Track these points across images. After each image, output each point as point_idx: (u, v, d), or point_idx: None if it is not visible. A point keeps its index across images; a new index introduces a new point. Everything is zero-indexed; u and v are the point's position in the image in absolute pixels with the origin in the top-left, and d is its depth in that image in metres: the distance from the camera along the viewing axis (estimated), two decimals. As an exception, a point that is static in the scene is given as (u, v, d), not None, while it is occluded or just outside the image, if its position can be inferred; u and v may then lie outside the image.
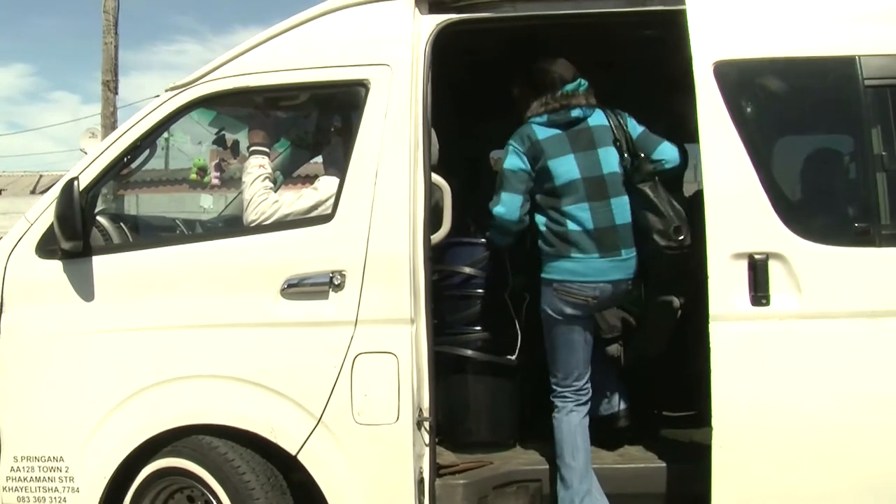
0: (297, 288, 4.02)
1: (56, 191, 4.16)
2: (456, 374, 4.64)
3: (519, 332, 4.69)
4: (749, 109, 4.04)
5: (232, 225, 5.10)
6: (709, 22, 4.07)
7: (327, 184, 4.27)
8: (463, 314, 4.67)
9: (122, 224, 4.53)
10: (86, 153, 18.96)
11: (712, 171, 3.94)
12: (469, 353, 4.64)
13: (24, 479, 4.19)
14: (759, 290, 3.85)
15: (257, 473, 4.04)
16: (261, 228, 4.22)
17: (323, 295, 4.00)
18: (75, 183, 4.08)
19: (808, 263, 3.85)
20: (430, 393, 4.07)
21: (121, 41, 18.06)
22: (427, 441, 4.05)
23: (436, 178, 4.20)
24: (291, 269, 4.03)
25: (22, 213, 4.40)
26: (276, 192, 4.34)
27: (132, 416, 4.10)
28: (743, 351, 3.88)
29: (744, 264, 3.88)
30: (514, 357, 4.69)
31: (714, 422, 3.85)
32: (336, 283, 3.98)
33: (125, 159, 4.36)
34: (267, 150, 4.48)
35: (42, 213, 4.28)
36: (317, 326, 4.01)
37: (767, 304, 3.86)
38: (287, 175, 5.48)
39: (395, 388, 3.94)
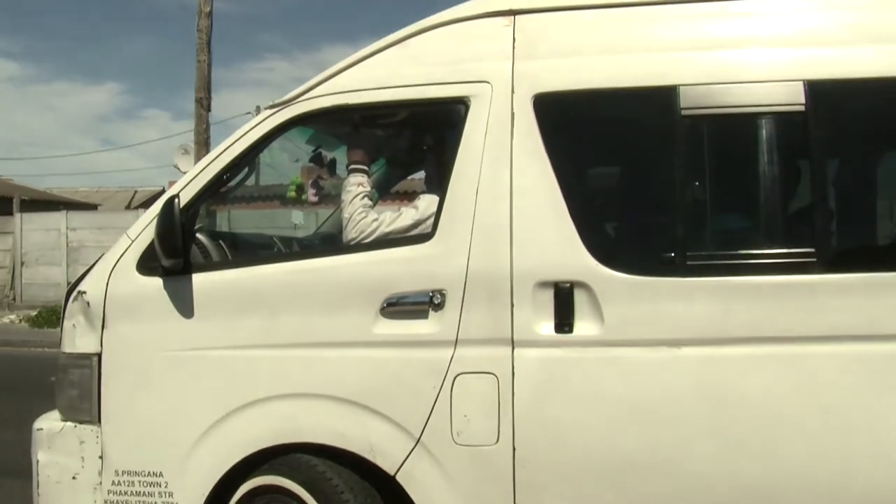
0: (397, 307, 3.99)
1: (157, 208, 4.21)
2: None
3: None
4: (564, 141, 4.05)
5: (330, 243, 5.11)
6: (531, 54, 4.07)
7: (428, 202, 4.26)
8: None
9: (221, 242, 4.56)
10: (179, 169, 19.39)
11: (521, 200, 3.94)
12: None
13: (125, 493, 4.24)
14: (562, 317, 3.87)
15: (355, 493, 4.03)
16: (361, 247, 4.23)
17: (423, 314, 3.97)
18: (176, 201, 4.11)
19: (612, 292, 3.85)
20: None
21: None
22: None
23: None
24: (391, 287, 4.01)
25: (118, 227, 4.48)
26: (373, 209, 4.33)
27: (231, 433, 4.12)
28: (544, 376, 3.90)
29: (549, 292, 3.88)
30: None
31: (516, 443, 3.88)
32: (436, 302, 3.95)
33: (224, 177, 4.38)
34: (366, 168, 4.49)
35: (143, 230, 4.31)
36: (416, 346, 3.98)
37: (570, 331, 3.87)
38: (382, 193, 5.47)
39: (496, 409, 3.89)
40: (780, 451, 3.75)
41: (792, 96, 3.85)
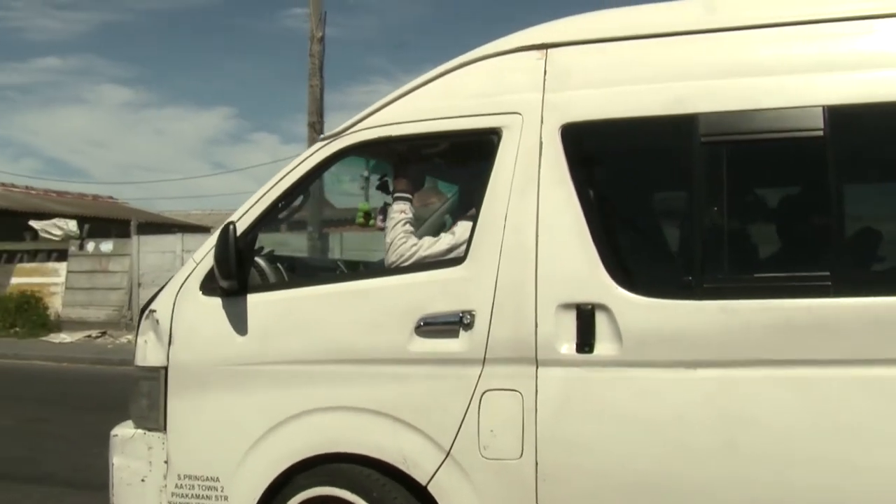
0: (431, 326, 4.22)
1: (216, 235, 4.53)
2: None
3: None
4: (588, 168, 4.22)
5: (374, 266, 5.39)
6: (560, 85, 4.23)
7: (463, 228, 4.48)
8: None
9: (278, 265, 4.86)
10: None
11: (546, 226, 4.12)
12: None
13: (187, 495, 4.60)
14: (583, 338, 4.03)
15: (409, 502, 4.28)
16: (400, 270, 4.49)
17: (454, 333, 4.19)
18: (231, 227, 4.43)
19: (630, 314, 3.97)
20: None
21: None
22: None
23: None
24: (426, 307, 4.24)
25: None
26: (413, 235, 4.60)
27: (279, 442, 4.42)
28: (565, 394, 4.06)
29: (572, 314, 4.05)
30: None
31: (538, 458, 4.06)
32: (466, 322, 4.16)
33: (279, 205, 4.71)
34: (409, 196, 4.75)
35: (206, 254, 4.66)
36: (447, 364, 4.21)
37: (591, 351, 4.02)
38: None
39: (520, 425, 4.09)
40: (795, 474, 3.80)
41: (811, 121, 3.90)
